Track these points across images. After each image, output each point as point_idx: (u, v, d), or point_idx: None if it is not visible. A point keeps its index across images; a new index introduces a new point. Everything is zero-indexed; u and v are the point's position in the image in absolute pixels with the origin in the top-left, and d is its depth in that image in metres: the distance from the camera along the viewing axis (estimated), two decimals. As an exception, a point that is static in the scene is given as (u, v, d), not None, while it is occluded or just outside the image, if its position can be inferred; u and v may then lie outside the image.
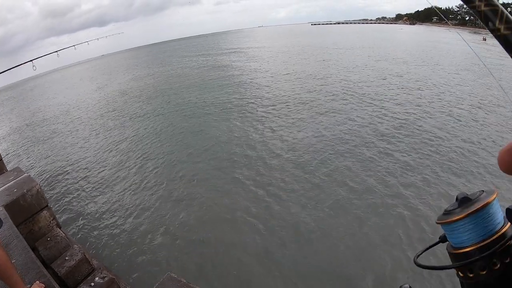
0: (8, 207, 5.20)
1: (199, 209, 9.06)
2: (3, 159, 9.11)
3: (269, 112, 16.89)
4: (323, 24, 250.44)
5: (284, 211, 8.37)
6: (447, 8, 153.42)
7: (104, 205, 10.01)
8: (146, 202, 9.80)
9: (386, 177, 9.42)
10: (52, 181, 12.68)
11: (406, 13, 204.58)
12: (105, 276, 4.16)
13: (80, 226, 9.05)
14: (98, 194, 10.87)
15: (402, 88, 19.72)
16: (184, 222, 8.53)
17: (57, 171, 13.72)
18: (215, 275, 6.59)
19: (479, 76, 22.05)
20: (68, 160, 14.91)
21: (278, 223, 7.92)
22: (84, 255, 4.62)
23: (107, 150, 15.35)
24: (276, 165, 10.88)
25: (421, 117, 14.13)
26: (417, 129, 12.85)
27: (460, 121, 13.36)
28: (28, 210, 5.47)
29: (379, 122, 13.84)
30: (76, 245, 4.97)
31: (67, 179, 12.68)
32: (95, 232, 8.65)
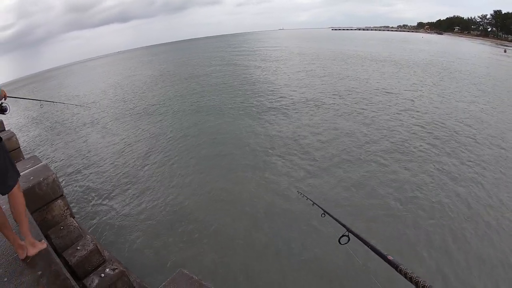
0: (24, 194, 5.25)
1: (215, 207, 9.09)
2: (20, 147, 9.26)
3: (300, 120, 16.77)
4: (344, 29, 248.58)
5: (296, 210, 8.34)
6: (469, 18, 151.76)
7: (118, 198, 10.09)
8: (161, 198, 9.84)
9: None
10: (68, 171, 12.84)
11: (428, 22, 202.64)
12: (116, 268, 4.17)
13: (93, 217, 9.14)
14: (113, 186, 10.97)
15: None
16: (199, 220, 8.56)
17: (73, 162, 13.90)
18: (227, 273, 6.58)
19: None
20: (84, 152, 15.09)
21: (296, 224, 7.88)
22: (96, 246, 4.64)
23: (123, 143, 15.49)
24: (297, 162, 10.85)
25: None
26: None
27: None
28: (43, 198, 5.53)
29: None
30: (88, 236, 4.99)
31: (82, 170, 12.83)
32: (108, 224, 8.72)
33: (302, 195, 5.23)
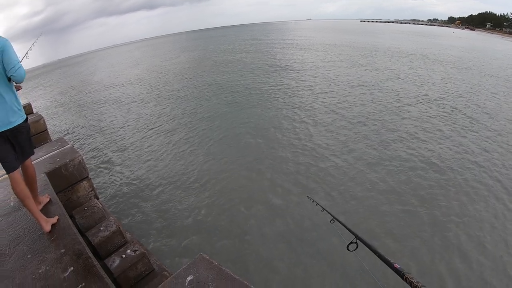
0: (50, 174, 5.40)
1: (241, 192, 9.13)
2: (47, 129, 9.48)
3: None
4: (372, 21, 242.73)
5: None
6: (502, 15, 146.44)
7: (142, 181, 10.23)
8: (185, 182, 9.91)
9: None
10: (94, 154, 13.10)
11: (459, 17, 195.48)
12: (137, 250, 4.25)
13: (117, 200, 9.31)
14: (137, 170, 11.12)
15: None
16: (222, 205, 8.60)
17: (100, 144, 14.16)
18: (248, 260, 6.63)
19: None
20: (110, 135, 15.33)
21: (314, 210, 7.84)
22: (119, 227, 4.73)
23: (148, 128, 15.66)
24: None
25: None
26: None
27: None
28: (68, 179, 5.67)
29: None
30: (111, 217, 5.09)
31: (109, 153, 13.06)
32: (131, 207, 8.86)
33: (312, 200, 5.17)
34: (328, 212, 3.61)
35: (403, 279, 1.47)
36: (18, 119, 3.44)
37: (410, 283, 1.39)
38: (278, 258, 6.66)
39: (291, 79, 22.62)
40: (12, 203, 4.69)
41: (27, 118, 3.60)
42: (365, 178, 9.28)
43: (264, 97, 18.72)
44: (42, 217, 3.81)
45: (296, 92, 19.15)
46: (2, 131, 3.33)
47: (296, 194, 8.64)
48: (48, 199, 4.41)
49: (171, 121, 16.35)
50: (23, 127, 3.53)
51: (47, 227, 3.79)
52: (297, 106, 16.49)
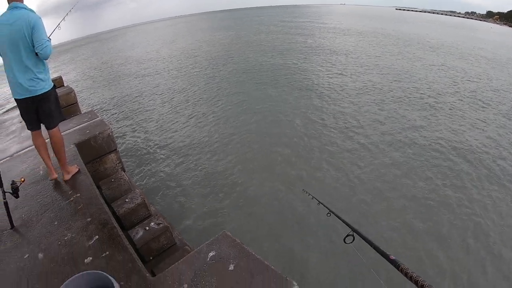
0: (79, 145, 5.51)
1: (267, 172, 9.07)
2: (78, 102, 9.66)
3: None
4: (408, 10, 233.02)
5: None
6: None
7: (168, 157, 10.33)
8: (212, 159, 9.93)
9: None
10: (122, 127, 13.31)
11: (498, 12, 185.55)
12: (160, 223, 4.30)
13: (143, 173, 9.44)
14: (164, 145, 11.23)
15: None
16: (247, 183, 8.58)
17: (129, 118, 14.36)
18: (269, 241, 6.62)
19: None
20: (138, 110, 15.50)
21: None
22: (144, 200, 4.79)
23: (176, 103, 15.71)
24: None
25: None
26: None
27: None
28: (97, 151, 5.78)
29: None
30: (137, 190, 5.16)
31: (137, 127, 13.22)
32: (156, 181, 8.97)
33: (308, 193, 5.08)
34: (325, 206, 3.60)
35: (398, 269, 1.52)
36: (41, 88, 3.79)
37: (405, 274, 1.43)
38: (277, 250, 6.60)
39: (321, 64, 22.20)
40: (41, 172, 4.80)
41: (53, 89, 3.98)
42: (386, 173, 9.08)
43: (291, 79, 18.46)
44: (50, 166, 4.38)
45: (324, 77, 18.80)
46: (26, 98, 3.80)
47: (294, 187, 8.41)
48: (77, 170, 4.58)
49: (198, 96, 16.35)
50: (47, 97, 3.88)
51: (54, 175, 4.41)
52: (323, 92, 16.17)
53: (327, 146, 10.18)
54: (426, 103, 14.07)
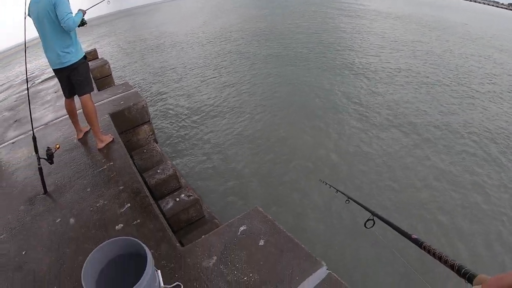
0: (113, 116, 5.55)
1: (304, 147, 8.89)
2: (112, 74, 9.76)
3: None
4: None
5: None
6: None
7: (201, 130, 10.26)
8: (245, 134, 9.81)
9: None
10: (155, 99, 13.35)
11: None
12: (191, 195, 4.29)
13: (175, 145, 9.46)
14: (197, 118, 11.14)
15: None
16: (282, 159, 8.43)
17: (161, 91, 14.35)
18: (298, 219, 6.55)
19: None
20: (174, 83, 15.45)
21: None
22: (175, 172, 4.79)
23: (210, 79, 15.49)
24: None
25: None
26: None
27: None
28: (131, 122, 5.82)
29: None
30: (169, 162, 5.18)
31: (170, 100, 13.18)
32: (188, 154, 8.94)
33: (325, 183, 4.97)
34: (342, 193, 3.59)
35: (421, 248, 1.52)
36: (68, 61, 4.03)
37: (428, 251, 1.43)
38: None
39: (354, 49, 21.57)
40: (75, 140, 4.86)
41: (82, 60, 4.20)
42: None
43: (322, 60, 18.00)
44: (78, 128, 4.83)
45: (361, 57, 18.29)
46: (57, 69, 4.13)
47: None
48: (111, 139, 4.69)
49: (233, 72, 15.97)
50: (75, 68, 4.12)
51: (80, 135, 4.85)
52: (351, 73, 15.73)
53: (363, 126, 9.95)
54: (463, 91, 13.43)
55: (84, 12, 4.07)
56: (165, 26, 38.88)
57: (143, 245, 2.01)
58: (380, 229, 2.31)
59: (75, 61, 4.09)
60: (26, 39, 4.17)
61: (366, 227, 2.29)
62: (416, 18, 33.99)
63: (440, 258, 1.30)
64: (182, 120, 11.16)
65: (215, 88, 14.02)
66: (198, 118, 11.16)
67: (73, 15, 3.78)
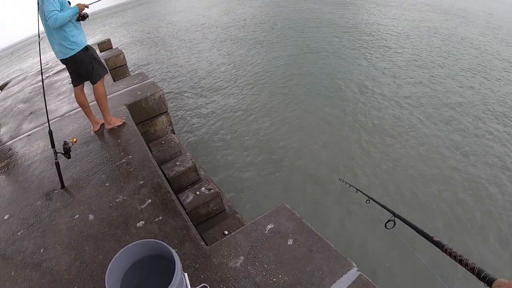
0: (131, 106, 5.44)
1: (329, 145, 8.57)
2: (127, 64, 9.67)
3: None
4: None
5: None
6: None
7: (221, 121, 10.14)
8: (269, 129, 9.49)
9: None
10: (173, 90, 13.23)
11: None
12: (211, 189, 4.16)
13: (193, 136, 9.35)
14: (217, 110, 11.02)
15: None
16: (312, 156, 8.13)
17: (180, 81, 14.26)
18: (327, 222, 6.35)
19: None
20: (191, 73, 15.28)
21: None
22: (194, 164, 4.67)
23: (231, 70, 15.22)
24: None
25: None
26: None
27: None
28: (148, 112, 5.71)
29: None
30: (188, 153, 5.05)
31: (189, 90, 13.08)
32: (207, 145, 8.86)
33: (345, 182, 4.86)
34: (363, 193, 3.53)
35: (442, 250, 1.52)
36: (67, 53, 4.11)
37: (449, 254, 1.44)
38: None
39: (371, 40, 21.03)
40: (92, 132, 4.76)
41: (82, 52, 4.22)
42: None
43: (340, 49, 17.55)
44: (93, 120, 4.82)
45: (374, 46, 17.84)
46: (61, 59, 4.25)
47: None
48: (120, 122, 4.85)
49: (252, 63, 15.61)
50: (76, 59, 4.20)
51: (96, 128, 4.83)
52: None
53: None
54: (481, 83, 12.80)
55: (82, 7, 4.09)
56: (177, 15, 38.77)
57: (172, 249, 1.89)
58: (402, 229, 2.27)
59: (74, 54, 4.16)
60: (39, 30, 4.15)
61: (386, 227, 2.30)
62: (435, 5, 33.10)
63: (460, 262, 1.33)
64: (201, 110, 11.03)
65: (234, 78, 13.83)
66: (217, 109, 11.00)
67: (59, 12, 3.79)
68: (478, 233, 6.01)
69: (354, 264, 2.29)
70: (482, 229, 6.09)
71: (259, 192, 7.03)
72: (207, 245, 2.69)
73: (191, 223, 2.88)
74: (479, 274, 1.10)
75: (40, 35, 4.19)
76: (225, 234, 3.64)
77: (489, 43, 17.25)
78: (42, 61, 4.42)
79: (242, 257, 2.42)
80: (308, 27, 22.16)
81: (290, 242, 2.47)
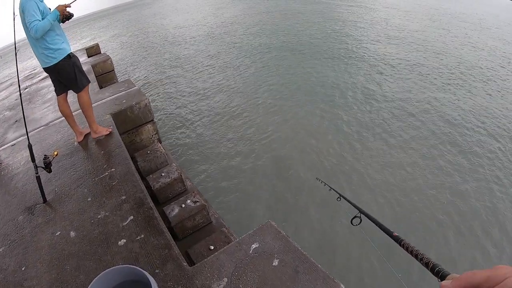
0: (115, 115, 5.36)
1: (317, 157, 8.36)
2: (114, 70, 9.57)
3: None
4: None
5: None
6: None
7: (208, 130, 9.96)
8: (257, 138, 9.29)
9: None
10: (159, 97, 13.07)
11: None
12: (197, 201, 4.10)
13: (180, 145, 9.24)
14: (203, 117, 10.86)
15: None
16: (300, 168, 7.95)
17: (165, 88, 14.06)
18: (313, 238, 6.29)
19: None
20: (176, 79, 15.09)
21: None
22: (180, 175, 4.62)
23: (216, 76, 15.04)
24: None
25: None
26: None
27: None
28: (133, 121, 5.64)
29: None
30: (174, 164, 4.98)
31: (175, 97, 12.89)
32: (194, 154, 8.74)
33: (320, 180, 4.97)
34: (335, 191, 3.58)
35: (400, 245, 1.56)
36: (52, 60, 4.06)
37: (406, 248, 1.46)
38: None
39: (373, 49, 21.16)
40: (76, 143, 4.68)
41: (64, 60, 4.16)
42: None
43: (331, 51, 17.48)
44: (77, 130, 4.75)
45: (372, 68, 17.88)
46: (45, 67, 4.20)
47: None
48: (107, 132, 4.78)
49: (242, 69, 15.39)
50: (59, 67, 4.16)
51: (79, 138, 4.75)
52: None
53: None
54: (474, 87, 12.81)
55: (63, 8, 4.02)
56: (168, 19, 38.65)
57: (147, 274, 1.83)
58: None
59: (56, 62, 4.12)
60: (16, 39, 4.14)
61: (352, 224, 2.32)
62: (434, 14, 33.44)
63: (416, 256, 1.34)
64: (188, 119, 10.90)
65: (220, 84, 13.72)
66: (205, 117, 10.89)
67: (40, 21, 3.75)
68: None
69: (342, 286, 2.26)
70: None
71: (246, 199, 6.98)
72: (190, 265, 2.63)
73: (173, 241, 2.82)
74: (433, 269, 1.09)
75: (16, 46, 4.15)
76: (211, 250, 3.59)
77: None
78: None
79: (225, 279, 2.37)
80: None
81: (275, 262, 2.42)
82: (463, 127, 9.25)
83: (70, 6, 4.09)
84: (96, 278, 1.87)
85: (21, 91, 8.43)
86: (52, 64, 4.09)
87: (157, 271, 2.50)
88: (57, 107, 6.20)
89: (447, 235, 6.05)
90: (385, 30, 21.07)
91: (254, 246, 2.56)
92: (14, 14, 3.97)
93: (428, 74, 13.27)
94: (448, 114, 9.98)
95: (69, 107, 4.58)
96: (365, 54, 16.08)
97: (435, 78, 12.81)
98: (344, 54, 16.25)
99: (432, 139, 8.74)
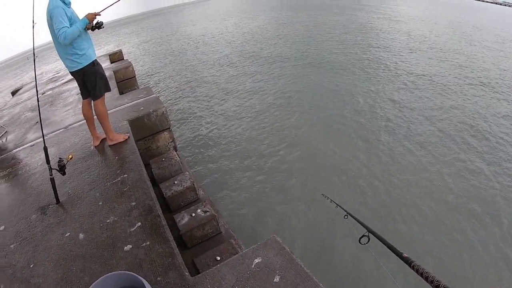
0: (132, 122, 5.44)
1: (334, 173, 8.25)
2: (136, 76, 9.75)
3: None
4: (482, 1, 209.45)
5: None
6: None
7: (225, 141, 10.02)
8: (273, 151, 9.26)
9: None
10: (177, 105, 13.19)
11: None
12: (207, 211, 4.12)
13: (195, 154, 9.31)
14: (220, 127, 10.94)
15: None
16: (313, 186, 7.81)
17: (183, 96, 14.20)
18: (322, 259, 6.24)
19: None
20: (195, 89, 15.21)
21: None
22: (193, 184, 4.66)
23: (236, 88, 14.94)
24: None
25: None
26: None
27: None
28: (150, 128, 5.71)
29: None
30: (187, 172, 5.03)
31: (192, 107, 13.04)
32: (209, 163, 8.80)
33: (326, 197, 4.91)
34: (342, 208, 3.55)
35: (410, 266, 1.54)
36: (77, 65, 4.13)
37: (417, 270, 1.46)
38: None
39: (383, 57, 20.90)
40: (92, 147, 4.77)
41: (88, 66, 4.24)
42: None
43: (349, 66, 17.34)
44: (95, 135, 4.84)
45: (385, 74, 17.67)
46: (71, 72, 4.28)
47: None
48: (123, 139, 4.81)
49: (260, 81, 15.52)
50: (83, 73, 4.24)
51: (96, 143, 4.83)
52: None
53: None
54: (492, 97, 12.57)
55: (92, 16, 4.05)
56: (191, 27, 39.09)
57: (145, 282, 1.85)
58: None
59: (80, 67, 4.18)
60: (34, 45, 4.20)
61: (360, 243, 2.30)
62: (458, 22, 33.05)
63: (426, 278, 1.36)
64: (205, 128, 10.96)
65: (241, 98, 13.64)
66: (222, 127, 10.91)
67: (68, 28, 3.80)
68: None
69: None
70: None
71: (257, 211, 6.99)
72: (194, 274, 2.64)
73: (177, 250, 2.84)
74: None
75: (35, 52, 4.19)
76: (217, 260, 3.59)
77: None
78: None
79: (225, 291, 2.37)
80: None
81: (276, 279, 2.41)
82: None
83: (100, 15, 4.11)
84: (94, 283, 1.90)
85: (43, 94, 8.72)
86: (77, 68, 4.16)
87: (159, 278, 2.52)
88: (77, 111, 6.37)
89: (463, 257, 5.88)
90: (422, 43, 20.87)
91: (256, 260, 2.55)
92: (33, 22, 4.06)
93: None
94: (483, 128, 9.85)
95: (92, 111, 4.65)
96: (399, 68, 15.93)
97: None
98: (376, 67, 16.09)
99: (460, 154, 8.64)
